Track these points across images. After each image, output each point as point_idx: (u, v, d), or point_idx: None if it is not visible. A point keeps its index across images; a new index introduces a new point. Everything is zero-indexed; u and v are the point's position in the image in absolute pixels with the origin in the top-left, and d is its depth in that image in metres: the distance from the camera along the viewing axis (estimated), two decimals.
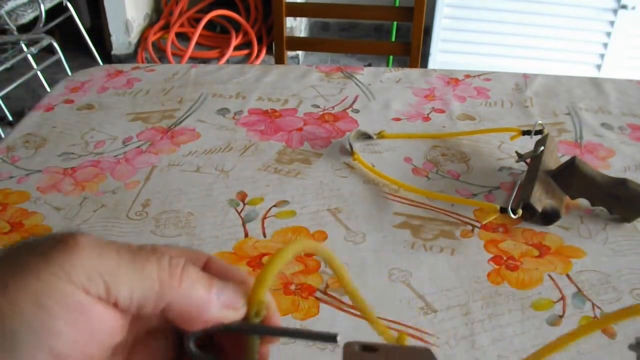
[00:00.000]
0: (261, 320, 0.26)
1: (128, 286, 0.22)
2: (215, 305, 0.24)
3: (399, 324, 0.52)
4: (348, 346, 0.26)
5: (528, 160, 0.71)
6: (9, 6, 2.05)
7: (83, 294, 0.21)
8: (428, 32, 2.14)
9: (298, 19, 2.63)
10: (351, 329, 0.51)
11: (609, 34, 2.20)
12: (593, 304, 0.54)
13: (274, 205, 0.66)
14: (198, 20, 2.63)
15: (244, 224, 0.63)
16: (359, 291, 0.27)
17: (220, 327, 0.25)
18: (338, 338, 0.24)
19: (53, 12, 2.26)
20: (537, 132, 0.73)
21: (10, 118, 2.10)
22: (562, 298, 0.55)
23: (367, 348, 0.26)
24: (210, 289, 0.24)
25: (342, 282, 0.27)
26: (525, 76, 0.98)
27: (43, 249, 0.21)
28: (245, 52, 2.65)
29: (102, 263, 0.21)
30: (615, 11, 2.15)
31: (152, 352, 0.27)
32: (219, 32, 2.75)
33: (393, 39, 2.55)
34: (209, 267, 0.28)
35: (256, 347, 0.25)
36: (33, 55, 2.10)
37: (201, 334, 0.25)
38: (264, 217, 0.64)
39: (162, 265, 0.23)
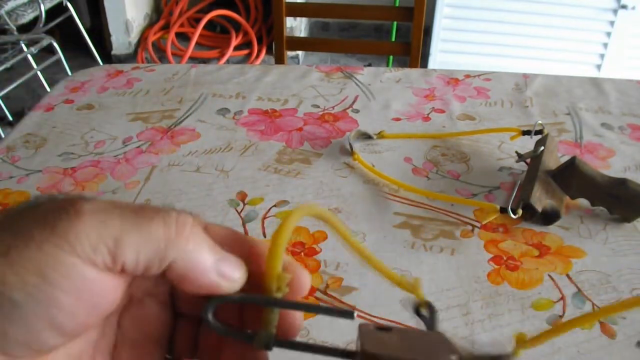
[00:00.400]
0: (284, 294, 0.25)
1: (134, 249, 0.21)
2: (214, 272, 0.24)
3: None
4: (363, 326, 0.26)
5: (528, 160, 0.71)
6: (9, 6, 2.06)
7: (87, 266, 0.21)
8: (428, 32, 2.14)
9: (298, 19, 2.63)
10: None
11: (609, 34, 2.20)
12: (593, 304, 0.54)
13: (274, 205, 0.66)
14: (198, 20, 2.63)
15: (244, 224, 0.63)
16: (364, 248, 0.27)
17: (236, 299, 0.25)
18: (355, 314, 0.24)
19: (53, 12, 2.26)
20: (537, 132, 0.73)
21: (10, 118, 2.10)
22: (562, 298, 0.55)
23: (382, 329, 0.26)
24: (213, 254, 0.24)
25: (347, 241, 0.26)
26: (525, 76, 0.98)
27: (47, 217, 0.21)
28: (245, 52, 2.65)
29: (107, 230, 0.21)
30: (615, 11, 2.15)
31: (145, 315, 0.26)
32: (219, 32, 2.75)
33: (393, 39, 2.55)
34: (207, 232, 0.27)
35: (274, 320, 0.25)
36: (33, 55, 2.10)
37: (220, 301, 0.24)
38: (264, 217, 0.64)
39: (168, 222, 0.22)
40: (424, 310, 0.27)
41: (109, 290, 0.22)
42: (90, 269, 0.21)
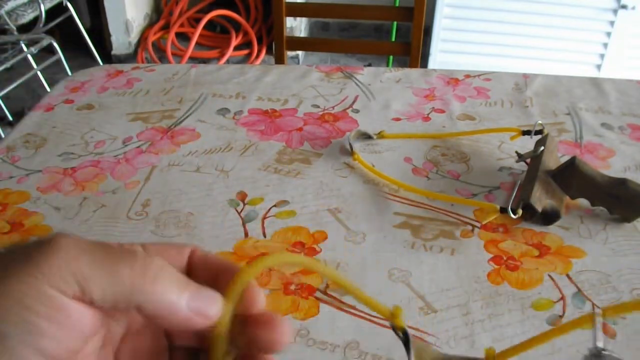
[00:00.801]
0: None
1: (100, 287, 0.22)
2: (185, 310, 0.24)
3: None
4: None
5: (528, 160, 0.71)
6: (9, 6, 2.05)
7: (61, 295, 0.22)
8: (428, 32, 2.14)
9: (298, 19, 2.63)
10: (351, 329, 0.51)
11: (609, 34, 2.20)
12: (593, 304, 0.54)
13: (274, 205, 0.66)
14: (198, 20, 2.63)
15: (244, 224, 0.63)
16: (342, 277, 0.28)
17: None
18: None
19: (53, 12, 2.26)
20: (537, 132, 0.73)
21: (10, 118, 2.10)
22: (562, 298, 0.55)
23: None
24: (182, 294, 0.24)
25: (329, 277, 0.27)
26: (525, 76, 0.98)
27: (27, 251, 0.22)
28: (245, 52, 2.65)
29: (77, 265, 0.22)
30: (615, 11, 2.15)
31: (142, 346, 0.27)
32: (219, 32, 2.75)
33: (393, 39, 2.55)
34: (192, 259, 0.28)
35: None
36: (33, 55, 2.10)
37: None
38: (264, 217, 0.64)
39: (135, 267, 0.23)
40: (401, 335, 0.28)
41: (87, 318, 0.23)
42: (63, 297, 0.22)
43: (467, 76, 0.98)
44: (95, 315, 0.23)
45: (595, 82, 0.97)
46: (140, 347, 0.27)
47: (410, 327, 0.51)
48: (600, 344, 0.35)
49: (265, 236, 0.62)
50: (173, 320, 0.24)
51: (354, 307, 0.53)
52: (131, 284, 0.23)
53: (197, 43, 2.61)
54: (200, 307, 0.25)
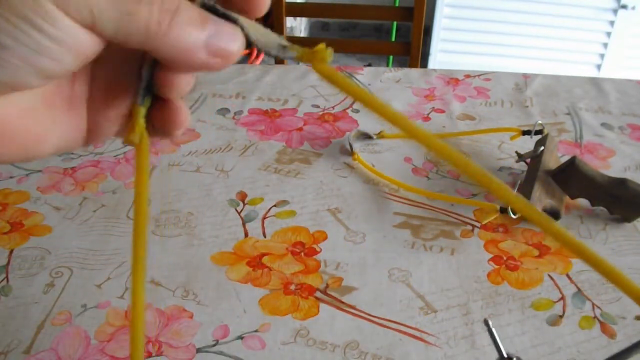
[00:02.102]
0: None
1: (114, 25, 0.21)
2: (204, 52, 0.23)
3: (399, 324, 0.52)
4: None
5: (528, 160, 0.71)
6: None
7: (67, 16, 0.21)
8: (428, 32, 2.14)
9: (298, 19, 2.63)
10: (351, 329, 0.51)
11: (609, 34, 2.20)
12: (593, 304, 0.54)
13: (274, 205, 0.66)
14: None
15: (244, 224, 0.63)
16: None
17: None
18: None
19: None
20: (537, 132, 0.73)
21: None
22: (562, 298, 0.55)
23: None
24: (203, 30, 0.22)
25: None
26: (525, 76, 0.98)
27: None
28: (246, 52, 2.64)
29: None
30: (615, 11, 2.15)
31: (122, 57, 0.26)
32: None
33: (393, 39, 2.55)
34: None
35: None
36: None
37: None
38: (264, 217, 0.64)
39: (152, 10, 0.22)
40: None
41: (92, 43, 0.22)
42: (71, 21, 0.21)
43: (467, 76, 0.98)
44: (99, 44, 0.22)
45: (595, 82, 0.97)
46: (121, 58, 0.26)
47: (410, 327, 0.51)
48: (504, 353, 0.35)
49: (265, 236, 0.62)
50: (187, 65, 0.23)
51: (354, 307, 0.53)
52: (147, 29, 0.21)
53: None
54: (221, 46, 0.23)
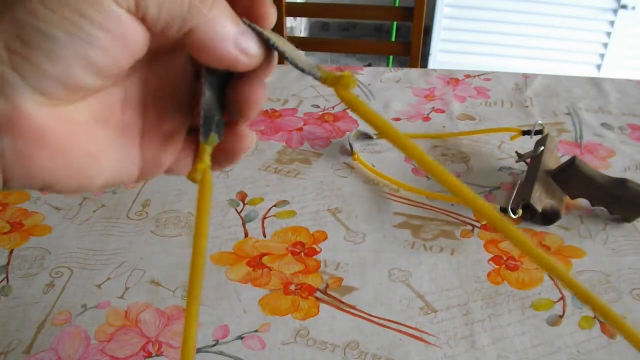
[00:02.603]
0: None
1: (157, 3, 0.22)
2: (233, 45, 0.24)
3: (399, 323, 0.52)
4: None
5: (528, 160, 0.71)
6: None
7: (114, 4, 0.21)
8: (428, 32, 2.14)
9: (298, 19, 2.63)
10: (351, 329, 0.51)
11: (609, 34, 2.20)
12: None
13: (274, 205, 0.66)
14: None
15: (244, 224, 0.63)
16: None
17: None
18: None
19: None
20: (537, 132, 0.73)
21: None
22: (562, 298, 0.55)
23: None
24: (235, 26, 0.24)
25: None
26: (525, 76, 0.98)
27: None
28: None
29: None
30: (615, 11, 2.15)
31: (171, 68, 0.27)
32: None
33: (393, 39, 2.55)
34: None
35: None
36: None
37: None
38: (264, 217, 0.64)
39: None
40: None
41: (140, 34, 0.22)
42: (119, 8, 0.21)
43: (467, 76, 0.98)
44: (146, 34, 0.22)
45: (595, 82, 0.97)
46: (171, 69, 0.27)
47: (410, 327, 0.51)
48: None
49: (265, 236, 0.62)
50: (219, 53, 0.23)
51: (354, 307, 0.53)
52: (189, 4, 0.22)
53: None
54: (248, 46, 0.24)
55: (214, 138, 0.25)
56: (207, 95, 0.25)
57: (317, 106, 0.88)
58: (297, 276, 0.56)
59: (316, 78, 0.25)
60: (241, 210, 0.65)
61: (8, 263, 0.58)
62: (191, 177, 0.25)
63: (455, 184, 0.23)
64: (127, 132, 0.26)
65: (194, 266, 0.24)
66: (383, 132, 0.24)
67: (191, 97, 0.28)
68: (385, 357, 0.49)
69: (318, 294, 0.55)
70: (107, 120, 0.25)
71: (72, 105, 0.22)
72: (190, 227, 0.63)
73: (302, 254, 0.59)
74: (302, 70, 0.25)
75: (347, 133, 0.80)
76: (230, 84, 0.26)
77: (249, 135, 0.28)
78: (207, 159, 0.25)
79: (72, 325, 0.51)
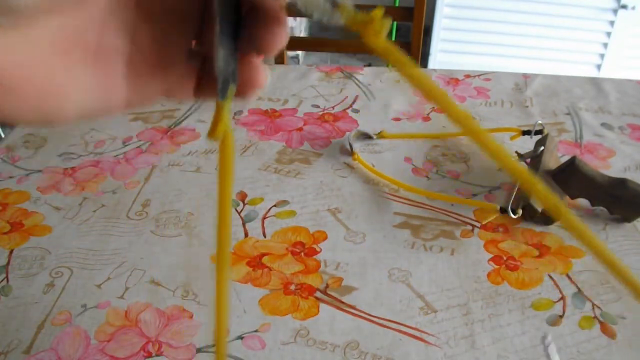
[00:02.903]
0: None
1: None
2: None
3: (399, 323, 0.52)
4: None
5: (528, 160, 0.71)
6: None
7: None
8: (428, 32, 2.14)
9: (298, 19, 2.63)
10: (351, 329, 0.51)
11: (609, 34, 2.20)
12: (593, 304, 0.54)
13: (274, 205, 0.66)
14: None
15: (244, 224, 0.63)
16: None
17: None
18: None
19: None
20: (537, 132, 0.73)
21: None
22: (562, 298, 0.55)
23: None
24: None
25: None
26: (525, 76, 0.98)
27: None
28: None
29: None
30: (615, 11, 2.15)
31: (167, 33, 0.23)
32: None
33: (393, 39, 2.55)
34: None
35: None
36: None
37: None
38: (264, 217, 0.64)
39: None
40: None
41: None
42: None
43: (467, 76, 0.98)
44: None
45: (595, 82, 0.97)
46: (169, 31, 0.23)
47: (410, 327, 0.51)
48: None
49: (265, 236, 0.62)
50: None
51: (354, 307, 0.53)
52: None
53: None
54: None
55: (232, 89, 0.22)
56: (221, 49, 0.22)
57: (317, 106, 0.88)
58: (297, 276, 0.56)
59: (335, 23, 0.20)
60: (241, 210, 0.65)
61: (8, 263, 0.58)
62: (211, 137, 0.22)
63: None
64: (103, 58, 0.22)
65: (220, 236, 0.23)
66: (425, 90, 0.20)
67: (194, 17, 0.24)
68: (385, 357, 0.49)
69: (318, 294, 0.54)
70: (76, 47, 0.21)
71: (21, 34, 0.19)
72: (190, 227, 0.63)
73: (302, 254, 0.59)
74: (320, 18, 0.21)
75: (347, 133, 0.80)
76: (242, 23, 0.23)
77: (264, 70, 0.25)
78: (227, 117, 0.22)
79: (72, 325, 0.51)
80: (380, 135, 0.79)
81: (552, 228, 0.63)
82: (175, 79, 0.25)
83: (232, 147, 0.23)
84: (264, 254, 0.59)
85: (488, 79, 0.97)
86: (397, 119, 0.85)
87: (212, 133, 0.22)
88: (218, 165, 0.23)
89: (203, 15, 0.24)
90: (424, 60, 2.34)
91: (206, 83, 0.25)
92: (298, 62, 2.67)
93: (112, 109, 0.24)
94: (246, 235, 0.62)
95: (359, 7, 0.21)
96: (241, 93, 0.24)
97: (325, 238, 0.61)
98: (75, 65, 0.21)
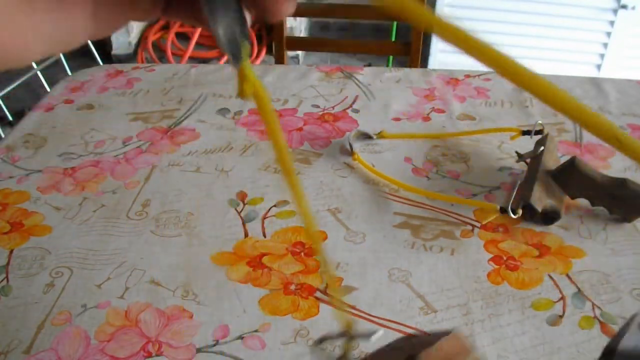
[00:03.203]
0: None
1: None
2: None
3: (399, 323, 0.52)
4: None
5: (528, 160, 0.71)
6: None
7: None
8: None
9: (298, 19, 2.62)
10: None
11: (609, 34, 2.20)
12: (593, 304, 0.54)
13: (274, 205, 0.66)
14: None
15: (244, 224, 0.63)
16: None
17: None
18: None
19: None
20: (537, 132, 0.73)
21: (10, 118, 2.10)
22: (562, 298, 0.55)
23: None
24: None
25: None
26: None
27: None
28: None
29: None
30: (615, 11, 2.15)
31: None
32: None
33: (393, 39, 2.55)
34: None
35: None
36: None
37: None
38: (264, 217, 0.64)
39: None
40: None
41: None
42: None
43: (467, 76, 0.98)
44: None
45: (595, 82, 0.97)
46: None
47: (410, 327, 0.51)
48: None
49: (265, 236, 0.62)
50: None
51: (354, 307, 0.53)
52: None
53: (197, 43, 2.61)
54: None
55: (245, 48, 0.22)
56: (219, 28, 0.21)
57: (317, 106, 0.88)
58: (297, 276, 0.56)
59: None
60: (241, 210, 0.65)
61: (8, 263, 0.58)
62: (241, 96, 0.22)
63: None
64: (71, 3, 0.22)
65: (287, 175, 0.24)
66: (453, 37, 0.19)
67: None
68: None
69: (318, 294, 0.55)
70: None
71: None
72: (190, 227, 0.63)
73: (302, 254, 0.59)
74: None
75: (347, 133, 0.80)
76: None
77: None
78: (251, 74, 0.22)
79: (72, 325, 0.51)
80: (380, 135, 0.79)
81: (552, 228, 0.63)
82: (144, 5, 0.24)
83: (266, 98, 0.23)
84: (264, 254, 0.59)
85: (488, 79, 0.97)
86: (397, 119, 0.85)
87: (241, 93, 0.22)
88: (261, 115, 0.23)
89: None
90: (424, 60, 2.34)
91: (175, 1, 0.24)
92: (298, 62, 2.67)
93: (77, 44, 0.23)
94: (246, 235, 0.62)
95: (364, 7, 0.21)
96: (266, 10, 0.23)
97: (325, 238, 0.61)
98: (38, 13, 0.21)
